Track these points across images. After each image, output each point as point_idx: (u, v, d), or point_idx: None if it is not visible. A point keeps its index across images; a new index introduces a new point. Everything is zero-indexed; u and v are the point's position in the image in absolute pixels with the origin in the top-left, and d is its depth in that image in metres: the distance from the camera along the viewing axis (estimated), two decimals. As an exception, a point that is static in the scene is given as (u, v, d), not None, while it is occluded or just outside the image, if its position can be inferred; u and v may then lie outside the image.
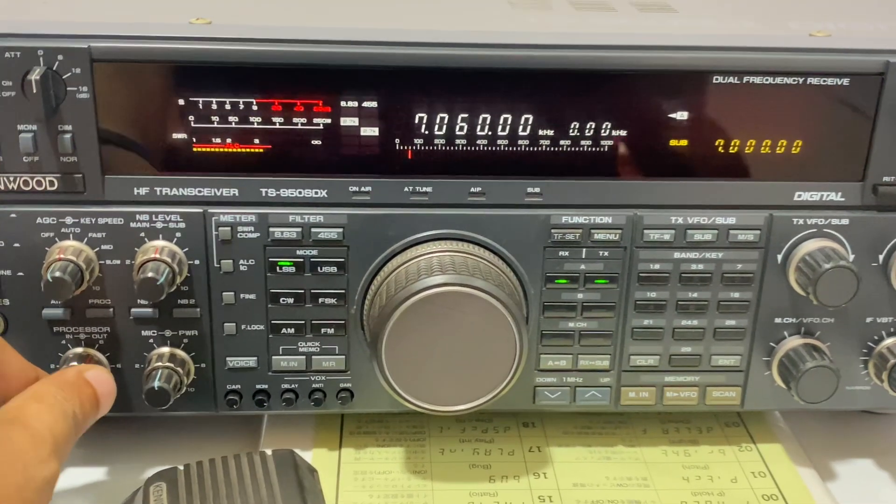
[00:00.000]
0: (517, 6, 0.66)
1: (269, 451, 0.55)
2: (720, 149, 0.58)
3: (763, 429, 0.68)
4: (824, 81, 0.56)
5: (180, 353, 0.59)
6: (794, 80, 0.56)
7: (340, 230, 0.57)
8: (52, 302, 0.57)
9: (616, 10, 0.66)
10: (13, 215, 0.56)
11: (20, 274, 0.57)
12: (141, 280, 0.54)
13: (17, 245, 0.56)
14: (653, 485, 0.62)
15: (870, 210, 0.59)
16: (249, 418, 0.67)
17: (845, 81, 0.56)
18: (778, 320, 0.61)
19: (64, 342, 0.58)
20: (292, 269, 0.58)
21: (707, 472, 0.63)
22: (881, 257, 0.60)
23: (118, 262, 0.57)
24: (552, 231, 0.58)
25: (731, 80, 0.56)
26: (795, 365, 0.60)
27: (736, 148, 0.58)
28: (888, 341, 0.62)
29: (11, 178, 0.55)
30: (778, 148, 0.58)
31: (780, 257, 0.60)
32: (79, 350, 0.58)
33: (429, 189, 0.58)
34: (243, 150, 0.56)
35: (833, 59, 0.56)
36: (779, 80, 0.56)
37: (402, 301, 0.54)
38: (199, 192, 0.57)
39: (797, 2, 0.70)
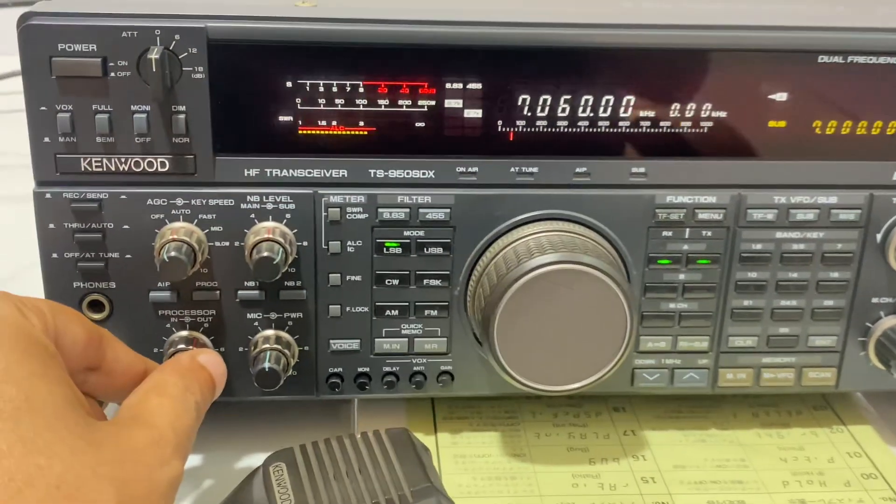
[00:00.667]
0: None
1: (382, 431, 0.55)
2: (819, 130, 0.58)
3: (851, 411, 0.68)
4: (927, 60, 0.57)
5: (285, 335, 0.59)
6: (897, 60, 0.57)
7: (448, 210, 0.58)
8: (160, 284, 0.57)
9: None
10: (123, 196, 0.56)
11: (128, 256, 0.57)
12: (258, 259, 0.54)
13: (126, 227, 0.56)
14: (752, 465, 0.62)
15: (971, 189, 0.60)
16: (335, 407, 0.67)
17: (947, 60, 0.57)
18: (875, 300, 0.62)
19: (169, 325, 0.58)
20: (399, 250, 0.58)
21: (803, 452, 0.63)
22: (979, 236, 0.60)
23: (227, 243, 0.57)
24: (656, 211, 0.59)
25: (835, 59, 0.57)
26: (895, 344, 0.60)
27: (835, 129, 0.59)
28: (983, 321, 0.62)
29: (123, 160, 0.55)
30: (874, 129, 0.59)
31: (879, 237, 0.60)
32: (184, 333, 0.58)
33: (534, 169, 0.58)
34: (350, 132, 0.56)
35: (936, 39, 0.57)
36: (882, 59, 0.57)
37: (516, 279, 0.55)
38: (309, 173, 0.57)
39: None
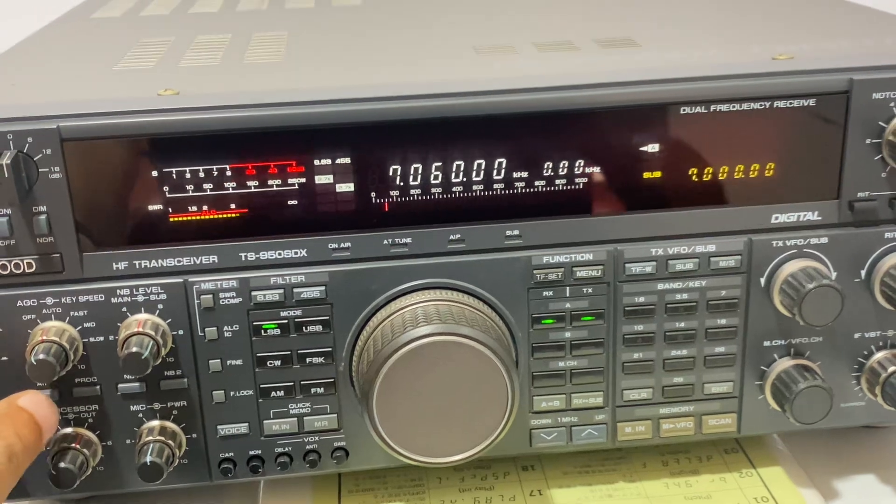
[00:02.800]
0: (482, 52, 0.67)
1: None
2: (694, 177, 0.58)
3: (762, 453, 0.67)
4: (791, 104, 0.57)
5: (170, 425, 0.58)
6: (760, 105, 0.57)
7: (323, 288, 0.57)
8: (38, 384, 0.57)
9: (580, 49, 0.66)
10: (-7, 300, 0.55)
11: (4, 359, 0.56)
12: (125, 355, 0.54)
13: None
14: (657, 519, 0.61)
15: (847, 227, 0.59)
16: (246, 484, 0.66)
17: (811, 102, 0.57)
18: (767, 343, 0.61)
19: (52, 423, 0.58)
20: (277, 332, 0.58)
21: (710, 501, 0.63)
22: (863, 272, 0.60)
23: (102, 338, 0.56)
24: (534, 272, 0.58)
25: (698, 109, 0.57)
26: (788, 387, 0.60)
27: (710, 175, 0.58)
28: (878, 355, 0.62)
29: (-11, 263, 0.55)
30: (751, 172, 0.58)
31: (762, 280, 0.60)
32: (68, 430, 0.58)
33: (408, 240, 0.58)
34: (220, 216, 0.56)
35: (797, 81, 0.57)
36: (745, 105, 0.57)
37: (390, 355, 0.54)
38: (178, 261, 0.56)
39: (759, 27, 0.71)
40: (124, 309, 0.56)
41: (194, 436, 0.59)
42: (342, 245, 0.57)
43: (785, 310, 0.59)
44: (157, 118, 0.54)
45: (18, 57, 0.72)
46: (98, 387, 0.57)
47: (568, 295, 0.59)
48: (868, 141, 0.58)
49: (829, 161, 0.58)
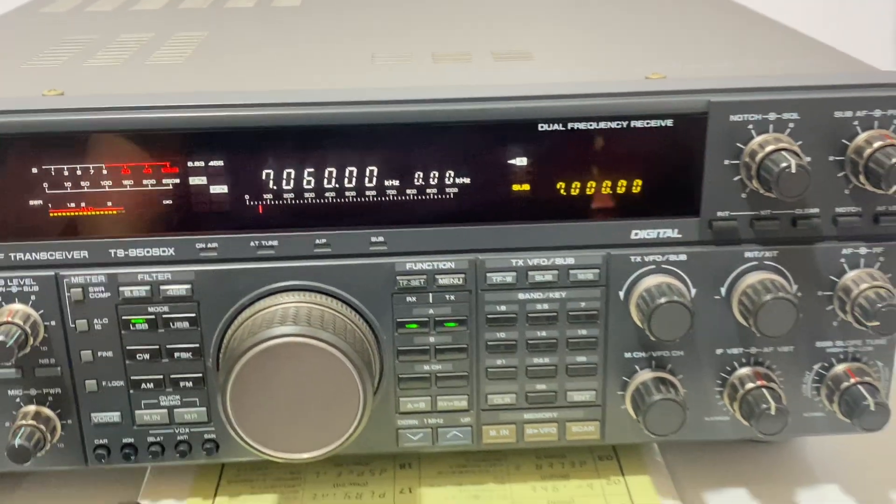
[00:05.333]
0: (378, 59, 0.69)
1: (118, 504, 0.57)
2: (555, 192, 0.60)
3: (636, 461, 0.69)
4: (649, 124, 0.58)
5: (45, 410, 0.61)
6: (617, 125, 0.58)
7: (189, 286, 0.59)
8: (-83, 367, 0.60)
9: (472, 61, 0.68)
10: None
11: None
12: (-9, 343, 0.57)
13: None
14: (515, 521, 0.63)
15: (707, 245, 0.61)
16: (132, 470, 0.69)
17: (669, 122, 0.58)
18: (628, 355, 0.63)
19: (-69, 405, 0.61)
20: (145, 326, 0.60)
21: (571, 506, 0.65)
22: (723, 290, 0.61)
23: (-24, 326, 0.59)
24: (398, 278, 0.60)
25: (555, 127, 0.58)
26: (643, 398, 0.61)
27: (573, 190, 0.60)
28: (740, 371, 0.63)
29: None
30: (612, 189, 0.60)
31: (621, 294, 0.61)
32: (-54, 412, 0.61)
33: (274, 243, 0.60)
34: (92, 213, 0.59)
35: (655, 102, 0.58)
36: (603, 124, 0.58)
37: (242, 353, 0.56)
38: (51, 255, 0.59)
39: (651, 44, 0.72)
40: (-1, 299, 0.59)
41: (69, 422, 0.62)
42: (209, 245, 0.59)
43: (640, 323, 0.61)
44: (37, 118, 0.57)
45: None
46: (-24, 372, 0.60)
47: (431, 301, 0.61)
48: (726, 162, 0.59)
49: (690, 180, 0.59)
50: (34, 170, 0.58)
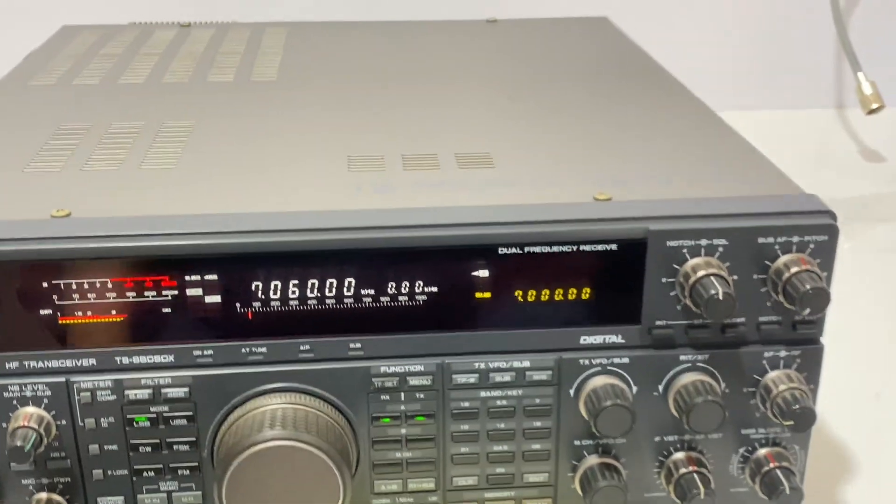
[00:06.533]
0: (354, 164, 0.75)
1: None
2: (514, 303, 0.67)
3: (584, 526, 0.77)
4: (596, 248, 0.66)
5: (56, 497, 0.68)
6: (568, 248, 0.66)
7: (187, 389, 0.67)
8: (-60, 462, 0.66)
9: (440, 167, 0.75)
10: None
11: None
12: (11, 448, 0.63)
13: None
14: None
15: (647, 349, 0.69)
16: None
17: (613, 247, 0.66)
18: (577, 442, 0.71)
19: (-47, 494, 0.68)
20: (147, 424, 0.67)
21: (526, 573, 0.73)
22: (661, 387, 0.70)
23: (-5, 426, 0.66)
24: (373, 379, 0.68)
25: (514, 250, 0.66)
26: (590, 483, 0.69)
27: (528, 301, 0.67)
28: (675, 456, 0.71)
29: None
30: (563, 300, 0.68)
31: (572, 392, 0.69)
32: (-34, 501, 0.67)
33: (263, 349, 0.67)
34: (100, 321, 0.65)
35: (602, 229, 0.66)
36: (555, 248, 0.66)
37: (236, 455, 0.64)
38: (62, 363, 0.66)
39: (596, 156, 0.79)
40: (15, 402, 0.66)
41: (77, 506, 0.69)
42: (205, 353, 0.66)
43: (587, 418, 0.69)
44: (45, 246, 0.63)
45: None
46: (-5, 464, 0.67)
47: (403, 399, 0.69)
48: (664, 279, 0.67)
49: (632, 293, 0.67)
50: (43, 285, 0.64)
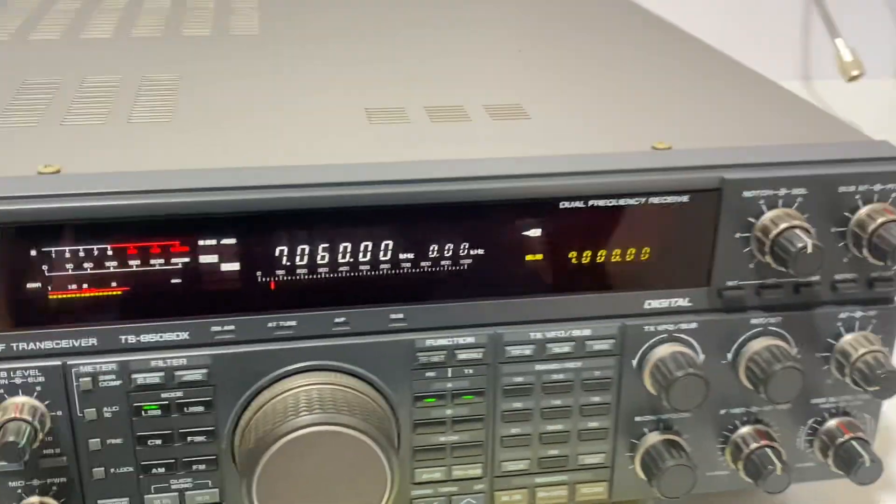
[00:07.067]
0: (375, 118, 0.67)
1: None
2: (572, 265, 0.60)
3: (635, 511, 0.71)
4: (665, 199, 0.59)
5: (49, 500, 0.58)
6: (636, 201, 0.59)
7: (205, 371, 0.58)
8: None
9: (472, 120, 0.67)
10: None
11: None
12: (2, 445, 0.53)
13: None
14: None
15: (717, 313, 0.62)
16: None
17: (685, 198, 0.59)
18: (638, 418, 0.64)
19: (-75, 502, 0.57)
20: (158, 413, 0.58)
21: (581, 565, 0.66)
22: (730, 355, 0.63)
23: (-23, 420, 0.56)
24: (417, 354, 0.60)
25: (577, 204, 0.58)
26: (656, 463, 0.63)
27: (588, 262, 0.60)
28: (742, 430, 0.65)
29: None
30: (627, 261, 0.61)
31: (634, 362, 0.62)
32: (-58, 509, 0.57)
33: (293, 322, 0.58)
34: (100, 295, 0.56)
35: (673, 179, 0.59)
36: (623, 201, 0.59)
37: (269, 445, 0.55)
38: (57, 344, 0.56)
39: (641, 105, 0.72)
40: (2, 391, 0.56)
41: (74, 511, 0.59)
42: (225, 328, 0.58)
43: (654, 392, 0.62)
44: (37, 205, 0.54)
45: None
46: (-26, 465, 0.57)
47: (450, 376, 0.61)
48: (737, 235, 0.60)
49: (701, 251, 0.61)
50: (32, 253, 0.55)
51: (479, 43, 0.90)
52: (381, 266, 0.58)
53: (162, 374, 0.57)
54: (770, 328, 0.63)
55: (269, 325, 0.58)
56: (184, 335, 0.57)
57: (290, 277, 0.58)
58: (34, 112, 0.67)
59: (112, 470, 0.59)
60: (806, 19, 1.64)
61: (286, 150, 0.61)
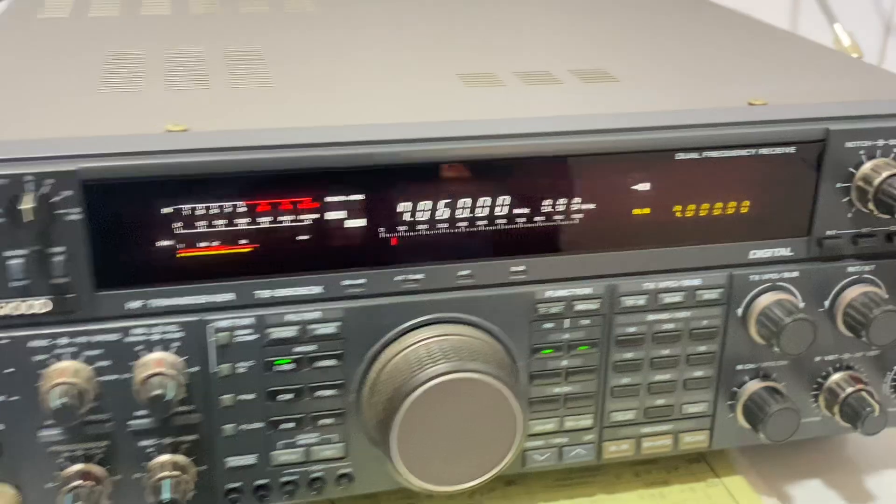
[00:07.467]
0: (470, 83, 0.69)
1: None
2: (681, 217, 0.62)
3: (724, 463, 0.73)
4: (774, 151, 0.61)
5: (181, 458, 0.59)
6: (746, 152, 0.61)
7: (339, 324, 0.58)
8: (48, 422, 0.56)
9: (563, 83, 0.69)
10: (5, 341, 0.54)
11: (15, 398, 0.55)
12: (151, 397, 0.54)
13: (10, 370, 0.55)
14: (638, 531, 0.66)
15: (816, 261, 0.65)
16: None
17: (791, 149, 0.62)
18: (739, 367, 0.66)
19: (61, 461, 0.57)
20: (291, 367, 0.59)
21: (684, 511, 0.68)
22: (827, 303, 0.66)
23: (115, 376, 0.56)
24: (537, 306, 0.61)
25: (692, 155, 0.61)
26: (761, 408, 0.65)
27: (696, 215, 0.62)
28: (836, 376, 0.68)
29: (2, 304, 0.54)
30: (732, 212, 0.63)
31: (739, 311, 0.65)
32: (78, 467, 0.57)
33: (420, 276, 0.59)
34: (233, 251, 0.57)
35: (781, 130, 0.61)
36: (734, 152, 0.61)
37: (407, 394, 0.56)
38: (196, 299, 0.56)
39: (730, 62, 0.75)
40: (140, 348, 0.56)
41: (204, 468, 0.60)
42: (356, 281, 0.59)
43: (760, 339, 0.64)
44: (172, 160, 0.54)
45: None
46: (109, 423, 0.57)
47: (567, 327, 0.62)
48: (838, 185, 0.63)
49: (803, 202, 0.63)
50: (167, 210, 0.55)
51: (553, 14, 0.91)
52: (500, 221, 0.60)
53: (297, 327, 0.58)
54: (865, 276, 0.66)
55: (397, 278, 0.59)
56: (317, 289, 0.58)
57: (415, 233, 0.59)
58: (133, 81, 0.67)
59: (241, 426, 0.59)
60: (794, 5, 1.69)
61: (398, 110, 0.62)
